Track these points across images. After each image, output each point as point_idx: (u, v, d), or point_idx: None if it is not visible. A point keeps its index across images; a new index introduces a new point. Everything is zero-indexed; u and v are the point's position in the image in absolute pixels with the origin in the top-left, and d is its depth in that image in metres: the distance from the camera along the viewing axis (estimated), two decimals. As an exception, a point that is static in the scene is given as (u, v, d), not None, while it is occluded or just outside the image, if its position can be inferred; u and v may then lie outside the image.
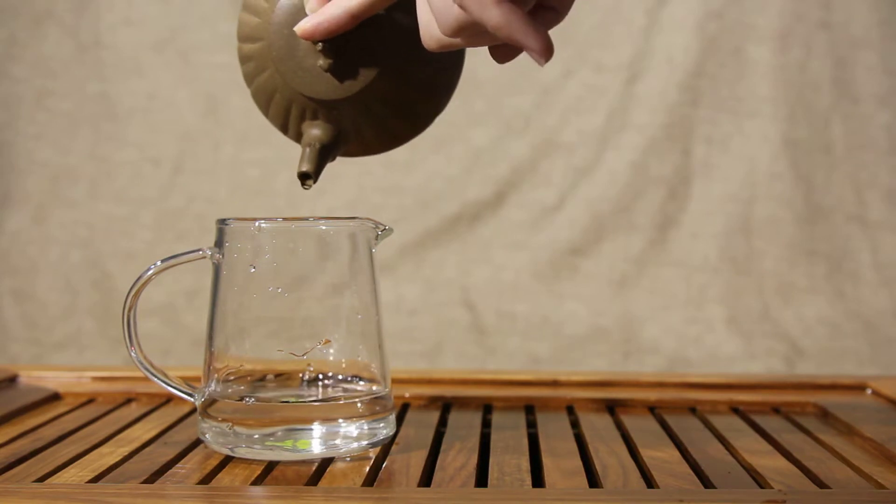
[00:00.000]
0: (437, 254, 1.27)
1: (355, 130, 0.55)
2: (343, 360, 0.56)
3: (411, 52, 0.53)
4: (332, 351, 0.56)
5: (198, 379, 0.58)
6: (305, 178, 0.55)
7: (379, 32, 0.52)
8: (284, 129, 0.57)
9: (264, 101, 0.57)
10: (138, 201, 1.29)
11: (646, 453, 0.56)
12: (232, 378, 0.56)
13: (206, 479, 0.51)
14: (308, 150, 0.55)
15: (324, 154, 0.55)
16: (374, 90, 0.53)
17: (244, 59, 0.56)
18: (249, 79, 0.56)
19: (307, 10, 0.52)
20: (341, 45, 0.52)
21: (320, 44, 0.51)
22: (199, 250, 0.57)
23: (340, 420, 0.55)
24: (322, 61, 0.52)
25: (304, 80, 0.53)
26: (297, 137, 0.56)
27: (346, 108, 0.54)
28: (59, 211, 1.29)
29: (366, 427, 0.55)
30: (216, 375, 0.56)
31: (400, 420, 0.63)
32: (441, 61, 0.55)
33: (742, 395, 0.70)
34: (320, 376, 0.56)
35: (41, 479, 0.50)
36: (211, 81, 1.29)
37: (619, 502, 0.47)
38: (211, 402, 0.56)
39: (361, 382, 0.57)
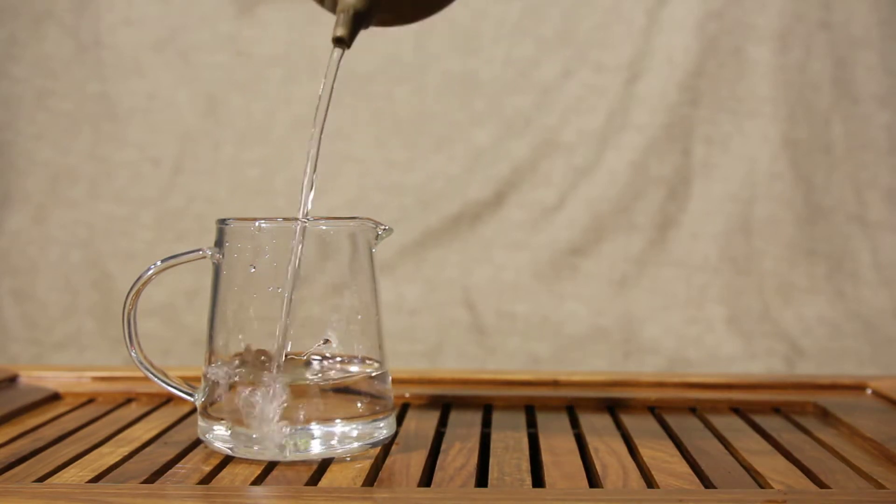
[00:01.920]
0: (438, 254, 1.27)
1: None
2: (343, 360, 0.56)
3: None
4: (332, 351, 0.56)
5: (198, 379, 0.58)
6: (340, 42, 0.55)
7: None
8: (321, 3, 0.57)
9: None
10: (138, 201, 1.29)
11: (646, 453, 0.56)
12: (232, 374, 0.56)
13: (206, 479, 0.51)
14: (342, 15, 0.55)
15: (357, 20, 0.55)
16: None
17: None
18: None
19: None
20: None
21: None
22: (199, 250, 0.57)
23: (340, 420, 0.55)
24: None
25: None
26: (333, 7, 0.56)
27: None
28: (59, 211, 1.29)
29: (366, 427, 0.55)
30: (215, 375, 0.56)
31: (400, 420, 0.63)
32: None
33: (742, 395, 0.70)
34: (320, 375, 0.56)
35: (41, 479, 0.50)
36: (211, 81, 1.29)
37: (619, 502, 0.47)
38: (211, 401, 0.56)
39: (361, 381, 0.57)
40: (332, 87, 0.55)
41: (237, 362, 0.56)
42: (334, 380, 0.56)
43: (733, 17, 1.26)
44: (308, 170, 0.55)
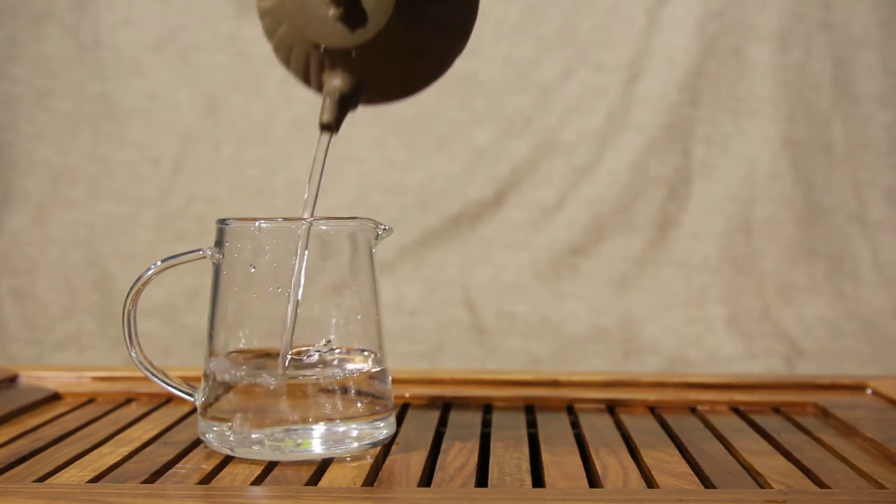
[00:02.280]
0: (438, 253, 1.27)
1: (375, 77, 0.55)
2: (343, 360, 0.56)
3: None
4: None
5: (198, 379, 0.58)
6: (327, 128, 0.55)
7: None
8: (307, 80, 0.57)
9: (284, 55, 0.57)
10: (138, 201, 1.29)
11: (646, 453, 0.56)
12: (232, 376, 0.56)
13: (206, 479, 0.51)
14: (328, 99, 0.55)
15: (344, 103, 0.55)
16: (388, 34, 0.52)
17: (262, 14, 0.56)
18: (269, 34, 0.57)
19: None
20: None
21: None
22: (199, 250, 0.57)
23: (340, 420, 0.55)
24: (333, 10, 0.52)
25: (318, 30, 0.53)
26: (320, 88, 0.56)
27: (363, 55, 0.53)
28: (59, 211, 1.29)
29: (366, 427, 0.55)
30: (215, 375, 0.56)
31: (400, 420, 0.63)
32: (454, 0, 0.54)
33: (742, 395, 0.70)
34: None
35: (41, 479, 0.50)
36: (211, 81, 1.29)
37: (619, 502, 0.47)
38: (211, 402, 0.56)
39: (361, 381, 0.57)
40: (322, 172, 0.55)
41: (238, 359, 0.56)
42: (334, 378, 0.56)
43: (733, 17, 1.26)
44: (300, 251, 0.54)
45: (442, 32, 0.55)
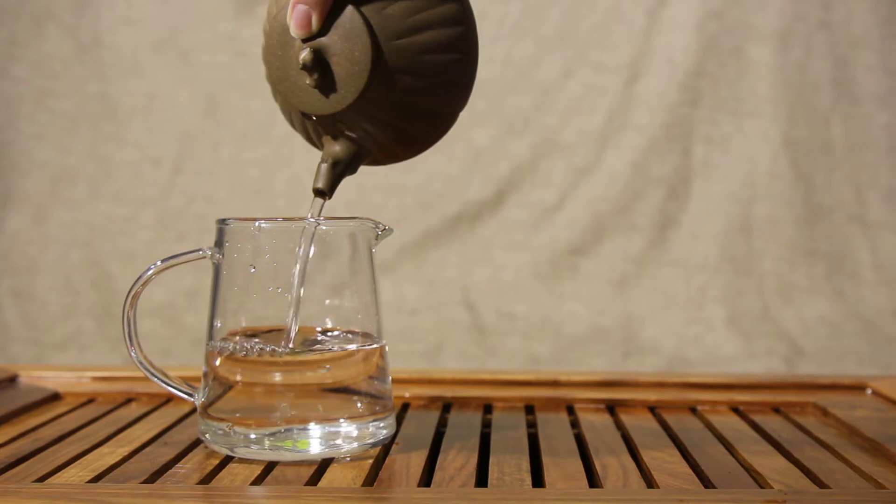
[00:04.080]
0: (438, 254, 1.27)
1: (370, 140, 0.54)
2: (342, 360, 0.56)
3: (398, 51, 0.51)
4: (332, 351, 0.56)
5: (198, 379, 0.58)
6: (320, 194, 0.55)
7: (360, 38, 0.51)
8: (312, 143, 0.57)
9: (289, 120, 0.57)
10: (138, 201, 1.29)
11: (646, 453, 0.56)
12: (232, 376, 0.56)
13: (206, 479, 0.51)
14: (324, 166, 0.54)
15: (339, 170, 0.55)
16: (368, 99, 0.51)
17: (268, 82, 0.56)
18: (275, 100, 0.56)
19: (288, 23, 0.51)
20: (323, 59, 0.51)
21: (303, 60, 0.51)
22: (199, 250, 0.57)
23: (340, 420, 0.55)
24: (309, 80, 0.51)
25: (301, 98, 0.52)
26: (322, 147, 0.56)
27: (349, 120, 0.53)
28: (59, 211, 1.29)
29: (366, 427, 0.55)
30: (215, 374, 0.56)
31: (400, 420, 0.63)
32: (443, 55, 0.53)
33: (742, 395, 0.70)
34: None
35: (41, 479, 0.50)
36: (211, 81, 1.29)
37: (619, 502, 0.47)
38: (211, 401, 0.56)
39: (361, 381, 0.57)
40: (314, 232, 0.54)
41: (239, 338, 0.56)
42: (334, 350, 0.56)
43: (733, 17, 1.26)
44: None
45: (433, 92, 0.53)
